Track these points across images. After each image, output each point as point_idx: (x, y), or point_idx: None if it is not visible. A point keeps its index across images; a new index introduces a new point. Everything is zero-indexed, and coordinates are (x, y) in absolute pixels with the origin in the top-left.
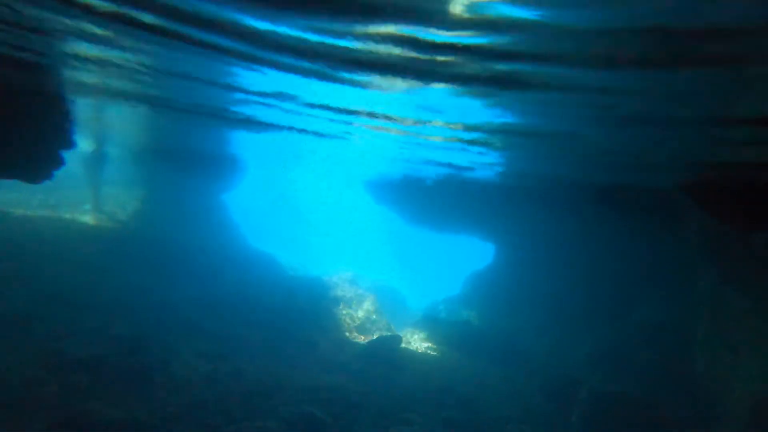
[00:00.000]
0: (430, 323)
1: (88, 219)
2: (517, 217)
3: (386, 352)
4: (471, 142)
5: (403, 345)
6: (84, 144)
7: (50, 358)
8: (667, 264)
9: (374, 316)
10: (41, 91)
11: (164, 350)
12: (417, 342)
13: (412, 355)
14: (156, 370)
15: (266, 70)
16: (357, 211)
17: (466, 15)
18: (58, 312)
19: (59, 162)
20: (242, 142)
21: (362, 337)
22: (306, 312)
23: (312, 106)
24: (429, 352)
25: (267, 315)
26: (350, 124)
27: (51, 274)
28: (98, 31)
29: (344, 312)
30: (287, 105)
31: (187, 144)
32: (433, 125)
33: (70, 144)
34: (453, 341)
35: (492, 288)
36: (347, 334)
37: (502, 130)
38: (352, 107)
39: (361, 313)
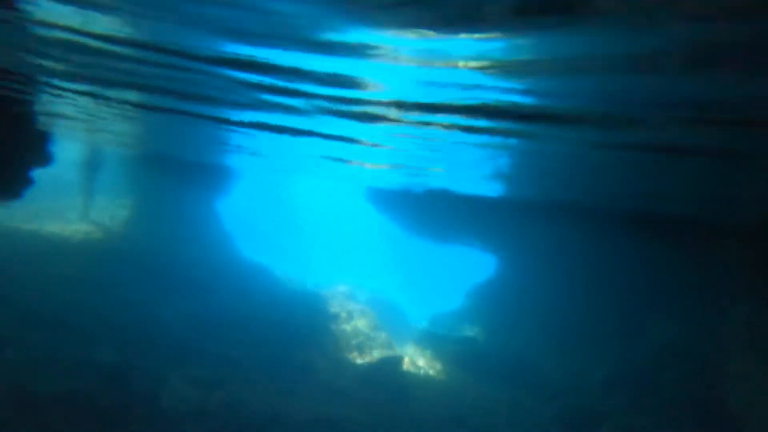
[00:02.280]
0: (433, 340)
1: (74, 229)
2: (524, 229)
3: (388, 375)
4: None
5: (406, 366)
6: (75, 151)
7: (21, 394)
8: (687, 285)
9: (374, 333)
10: (7, 114)
11: (151, 378)
12: (420, 361)
13: (417, 378)
14: (141, 403)
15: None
16: (354, 220)
17: None
18: (36, 335)
19: (27, 182)
20: (236, 151)
21: (362, 357)
22: (303, 329)
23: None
24: (434, 373)
25: (262, 333)
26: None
27: (31, 291)
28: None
29: (342, 329)
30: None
31: (179, 150)
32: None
33: (45, 160)
34: (459, 360)
35: (496, 302)
36: (346, 353)
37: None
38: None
39: (360, 330)
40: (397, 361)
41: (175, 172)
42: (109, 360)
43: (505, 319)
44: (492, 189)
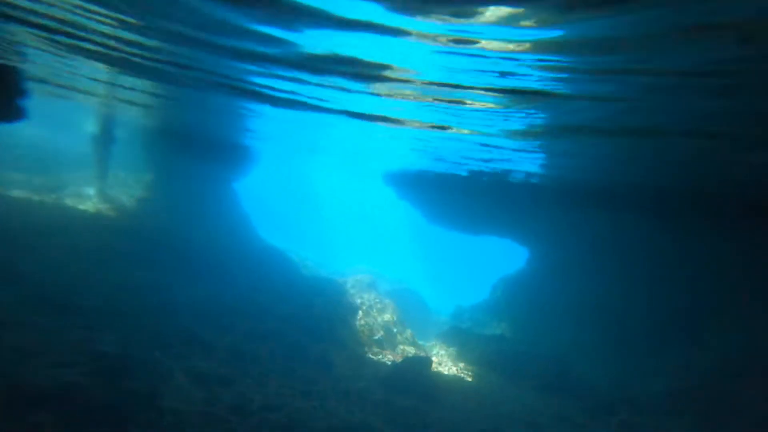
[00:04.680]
0: (459, 336)
1: (90, 205)
2: (561, 215)
3: (414, 377)
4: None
5: (434, 367)
6: (90, 124)
7: (13, 385)
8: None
9: (396, 328)
10: None
11: (155, 373)
12: (446, 360)
13: (445, 381)
14: (141, 404)
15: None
16: (375, 206)
17: None
18: (38, 318)
19: None
20: (256, 126)
21: (384, 354)
22: (320, 321)
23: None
24: (462, 374)
25: (276, 324)
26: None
27: (40, 268)
28: None
29: (362, 322)
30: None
31: (198, 125)
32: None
33: (11, 114)
34: (489, 361)
35: (527, 297)
36: (366, 348)
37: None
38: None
39: (381, 324)
40: (423, 362)
41: (194, 148)
42: (111, 350)
43: (539, 317)
44: (531, 170)
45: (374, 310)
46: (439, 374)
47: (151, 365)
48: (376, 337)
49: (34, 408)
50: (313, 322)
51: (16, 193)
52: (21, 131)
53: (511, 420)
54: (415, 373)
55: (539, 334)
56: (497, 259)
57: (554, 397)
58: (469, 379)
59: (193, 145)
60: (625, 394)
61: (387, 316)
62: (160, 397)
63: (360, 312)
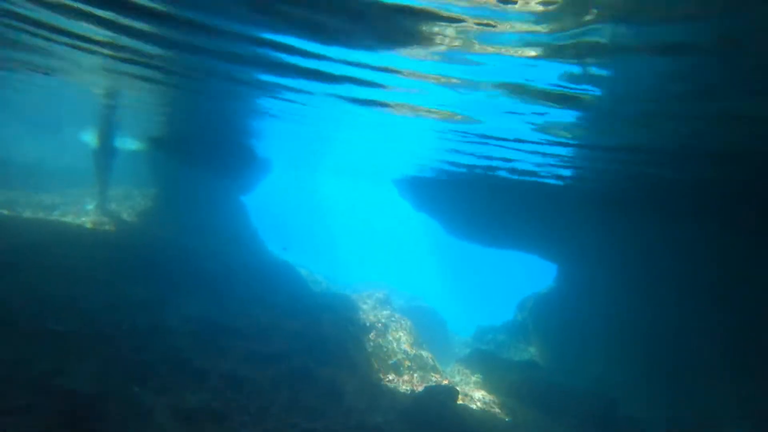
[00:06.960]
0: (484, 361)
1: (87, 220)
2: (597, 226)
3: (438, 411)
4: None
5: (460, 400)
6: (91, 137)
7: None
8: None
9: (414, 351)
10: None
11: (130, 414)
12: (471, 389)
13: (473, 416)
14: None
15: None
16: (388, 217)
17: None
18: (6, 343)
19: None
20: (265, 131)
21: (402, 381)
22: (329, 341)
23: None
24: (492, 408)
25: (281, 346)
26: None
27: (10, 292)
28: None
29: (376, 342)
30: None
31: (204, 133)
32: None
33: None
34: (520, 392)
35: (560, 318)
36: (381, 375)
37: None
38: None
39: (397, 345)
40: (448, 392)
41: (200, 161)
42: (81, 387)
43: (574, 342)
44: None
45: (389, 330)
46: (465, 407)
47: (127, 403)
48: (391, 361)
49: None
50: (322, 342)
51: (7, 212)
52: (19, 148)
53: None
54: (438, 406)
55: (576, 362)
56: (520, 275)
57: None
58: (500, 414)
59: (200, 157)
60: None
61: (403, 337)
62: None
63: (374, 331)
